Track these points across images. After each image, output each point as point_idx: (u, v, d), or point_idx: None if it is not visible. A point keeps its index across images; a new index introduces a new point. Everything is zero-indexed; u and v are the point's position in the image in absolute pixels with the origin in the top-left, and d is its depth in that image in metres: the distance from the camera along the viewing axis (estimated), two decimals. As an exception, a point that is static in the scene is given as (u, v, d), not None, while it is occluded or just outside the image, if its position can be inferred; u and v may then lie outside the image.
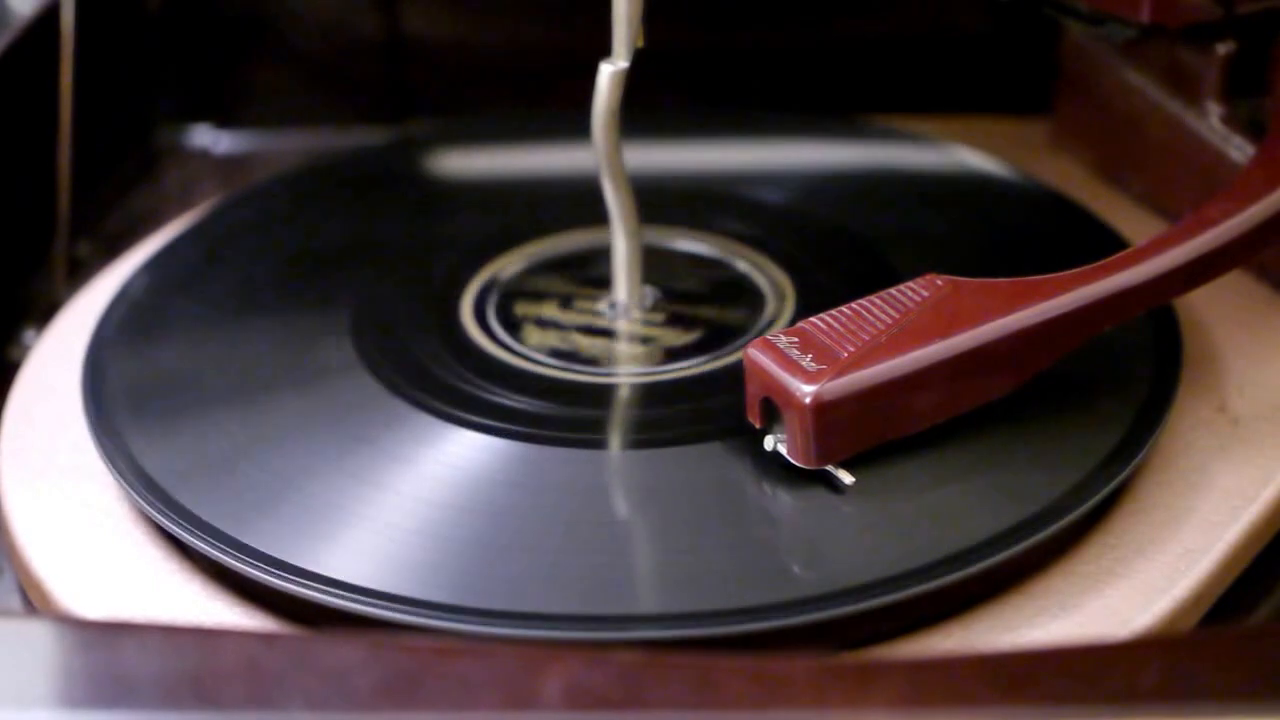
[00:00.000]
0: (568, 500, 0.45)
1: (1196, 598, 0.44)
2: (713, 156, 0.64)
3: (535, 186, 0.62)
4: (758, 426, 0.46)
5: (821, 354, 0.45)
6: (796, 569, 0.43)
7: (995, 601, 0.44)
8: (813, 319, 0.46)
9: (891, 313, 0.46)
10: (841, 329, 0.45)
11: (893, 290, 0.47)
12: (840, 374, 0.44)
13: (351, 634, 0.41)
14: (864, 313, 0.46)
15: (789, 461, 0.45)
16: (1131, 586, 0.44)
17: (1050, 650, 0.37)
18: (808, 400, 0.44)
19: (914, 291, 0.46)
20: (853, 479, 0.44)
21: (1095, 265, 0.47)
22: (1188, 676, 0.35)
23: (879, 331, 0.45)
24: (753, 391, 0.45)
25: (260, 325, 0.53)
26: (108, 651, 0.35)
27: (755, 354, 0.45)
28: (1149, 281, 0.47)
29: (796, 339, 0.45)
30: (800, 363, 0.44)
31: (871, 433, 0.45)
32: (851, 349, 0.45)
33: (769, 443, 0.45)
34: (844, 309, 0.46)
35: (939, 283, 0.47)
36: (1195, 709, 0.34)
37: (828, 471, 0.45)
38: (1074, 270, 0.47)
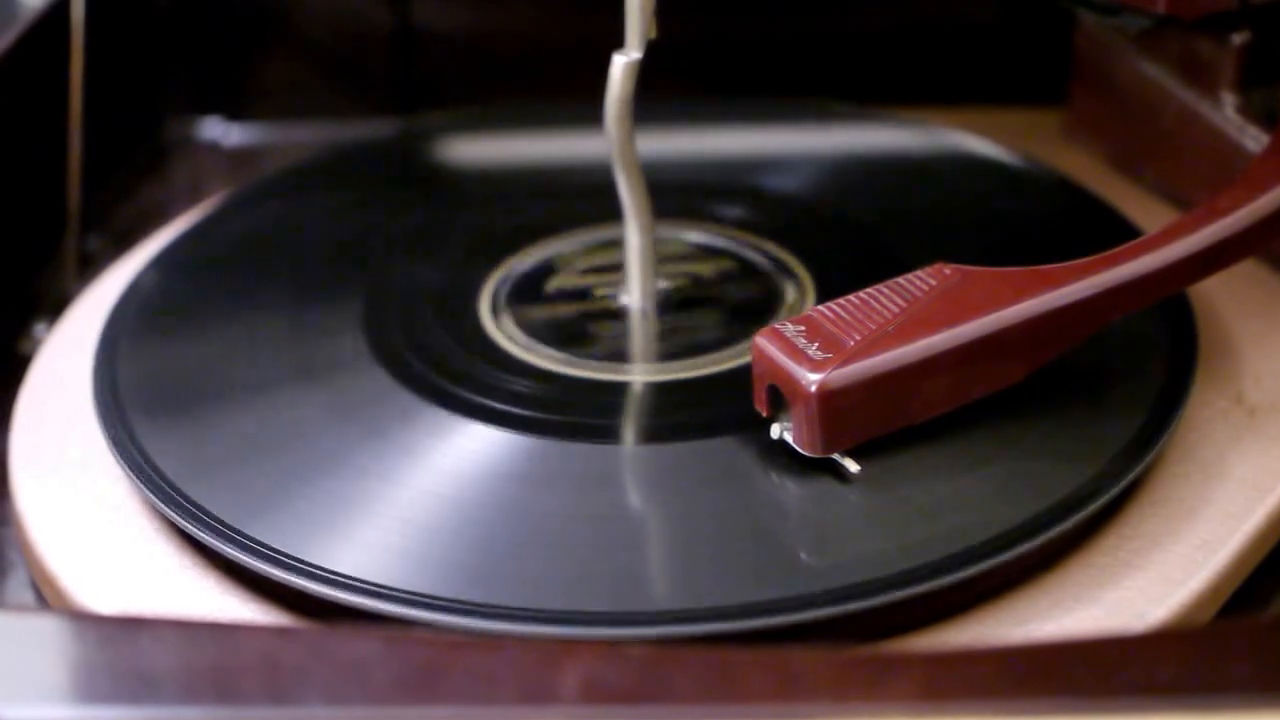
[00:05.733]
0: (579, 495, 0.45)
1: (1214, 590, 0.44)
2: (724, 147, 0.63)
3: (547, 178, 0.62)
4: (764, 415, 0.45)
5: (828, 342, 0.45)
6: (813, 563, 0.43)
7: (1011, 594, 0.43)
8: (820, 307, 0.46)
9: (899, 301, 0.46)
10: (849, 317, 0.45)
11: (901, 279, 0.46)
12: (846, 362, 0.44)
13: (368, 628, 0.41)
14: (872, 301, 0.46)
15: (796, 450, 0.45)
16: (1148, 579, 0.44)
17: (1067, 643, 0.37)
18: (813, 388, 0.44)
19: (922, 280, 0.46)
20: (858, 467, 0.44)
21: (1105, 254, 0.47)
22: (1205, 669, 0.34)
23: (886, 320, 0.45)
24: (760, 380, 0.45)
25: (272, 319, 0.53)
26: (125, 647, 0.35)
27: (762, 343, 0.45)
28: (1159, 270, 0.47)
29: (804, 327, 0.45)
30: (806, 351, 0.44)
31: (879, 421, 0.45)
32: (858, 337, 0.45)
33: (775, 431, 0.45)
34: (852, 298, 0.46)
35: (947, 271, 0.47)
36: (1213, 702, 0.34)
37: (834, 460, 0.45)
38: (1084, 259, 0.47)
